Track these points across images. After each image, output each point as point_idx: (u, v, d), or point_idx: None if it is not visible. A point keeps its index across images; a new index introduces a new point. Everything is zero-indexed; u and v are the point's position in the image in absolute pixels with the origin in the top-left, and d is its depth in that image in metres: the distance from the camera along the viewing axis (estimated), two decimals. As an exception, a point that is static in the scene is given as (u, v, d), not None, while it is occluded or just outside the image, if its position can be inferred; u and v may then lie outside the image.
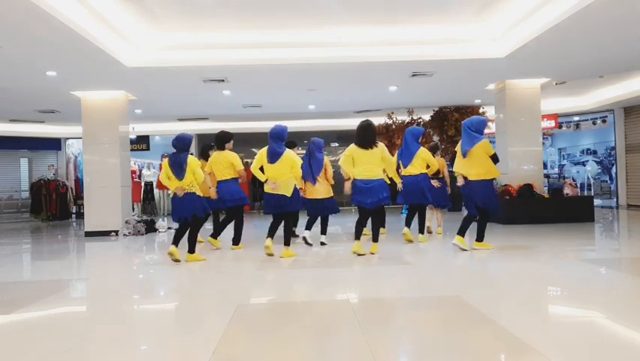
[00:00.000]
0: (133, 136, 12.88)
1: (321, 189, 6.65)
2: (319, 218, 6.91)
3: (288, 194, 5.79)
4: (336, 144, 15.47)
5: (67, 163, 14.84)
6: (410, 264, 5.49)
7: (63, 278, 5.43)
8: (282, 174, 5.77)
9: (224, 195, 6.55)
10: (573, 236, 7.45)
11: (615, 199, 13.88)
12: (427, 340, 2.99)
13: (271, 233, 5.95)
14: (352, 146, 5.83)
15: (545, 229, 8.01)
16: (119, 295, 4.55)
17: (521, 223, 8.67)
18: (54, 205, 13.46)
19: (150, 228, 9.44)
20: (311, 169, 6.55)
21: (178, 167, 5.67)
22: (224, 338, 3.02)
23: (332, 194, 6.78)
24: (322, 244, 6.72)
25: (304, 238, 6.77)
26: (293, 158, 5.84)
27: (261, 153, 5.87)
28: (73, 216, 14.19)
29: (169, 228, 9.66)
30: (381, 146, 5.80)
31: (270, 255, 5.85)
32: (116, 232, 9.09)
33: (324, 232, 6.85)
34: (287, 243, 5.96)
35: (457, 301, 3.80)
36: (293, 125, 13.73)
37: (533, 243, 6.72)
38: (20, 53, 6.61)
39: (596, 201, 12.43)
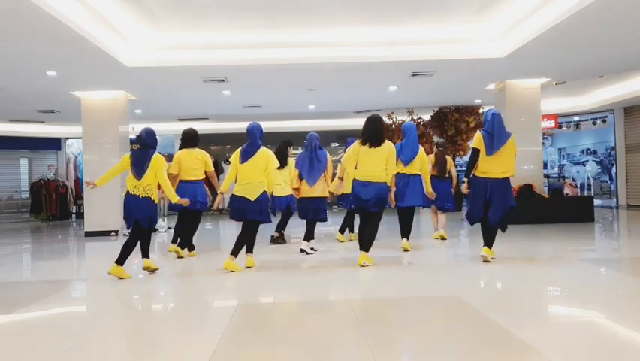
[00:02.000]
0: (133, 136, 12.85)
1: (317, 188, 6.08)
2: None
3: (252, 198, 5.07)
4: (336, 144, 15.47)
5: (67, 163, 14.84)
6: (410, 264, 5.49)
7: (63, 278, 5.43)
8: (254, 176, 5.11)
9: (196, 196, 5.92)
10: (573, 236, 7.45)
11: (615, 199, 13.88)
12: (426, 340, 2.99)
13: (248, 248, 5.34)
14: (357, 144, 5.28)
15: (545, 229, 8.01)
16: (119, 295, 4.55)
17: (521, 223, 8.64)
18: (54, 205, 13.45)
19: (150, 228, 9.42)
20: (312, 167, 6.06)
21: (141, 165, 4.91)
22: (224, 338, 3.02)
23: (327, 194, 6.20)
24: (303, 252, 6.08)
25: (303, 250, 6.14)
26: (269, 157, 5.17)
27: (235, 155, 5.27)
28: (73, 216, 14.18)
29: (169, 228, 9.65)
30: (388, 145, 5.24)
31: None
32: (116, 231, 9.09)
33: (309, 237, 6.16)
34: (236, 253, 5.16)
35: (457, 301, 3.81)
36: (293, 125, 13.92)
37: (533, 243, 6.72)
38: (20, 53, 6.60)
39: (596, 201, 12.42)
